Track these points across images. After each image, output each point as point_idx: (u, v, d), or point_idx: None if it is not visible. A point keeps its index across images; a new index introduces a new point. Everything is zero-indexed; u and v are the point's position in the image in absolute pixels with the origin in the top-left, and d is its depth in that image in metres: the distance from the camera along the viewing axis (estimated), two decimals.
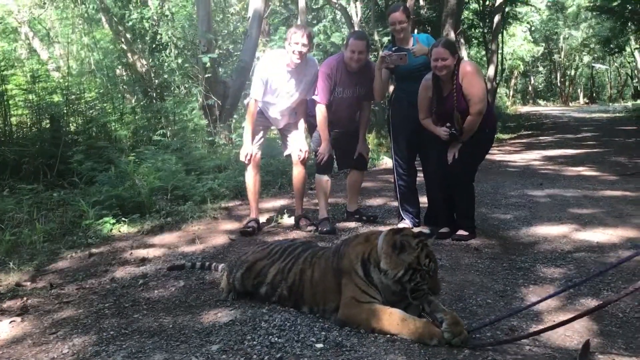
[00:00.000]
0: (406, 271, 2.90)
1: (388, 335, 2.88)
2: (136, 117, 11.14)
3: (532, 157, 11.60)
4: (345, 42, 5.33)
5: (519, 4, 26.54)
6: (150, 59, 13.30)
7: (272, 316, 3.22)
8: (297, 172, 5.53)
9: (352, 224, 5.67)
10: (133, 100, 12.46)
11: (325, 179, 5.49)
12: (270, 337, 2.93)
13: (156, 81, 12.82)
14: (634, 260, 4.09)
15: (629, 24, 26.94)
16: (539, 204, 6.59)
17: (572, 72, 49.07)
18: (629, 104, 35.99)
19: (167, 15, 13.57)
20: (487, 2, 23.97)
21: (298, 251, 3.44)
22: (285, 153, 5.68)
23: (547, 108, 39.05)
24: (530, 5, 30.36)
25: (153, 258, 4.67)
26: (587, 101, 48.16)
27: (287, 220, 5.88)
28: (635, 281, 3.27)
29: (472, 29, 25.27)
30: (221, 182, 7.74)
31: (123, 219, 6.01)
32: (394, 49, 5.14)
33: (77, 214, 6.15)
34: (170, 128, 10.70)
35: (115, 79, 12.61)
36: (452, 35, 15.22)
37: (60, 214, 6.32)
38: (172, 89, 12.76)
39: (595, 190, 7.40)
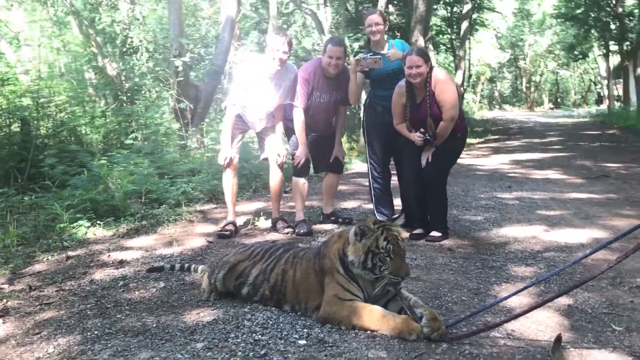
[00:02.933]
0: (367, 255, 3.01)
1: (369, 332, 2.97)
2: (107, 121, 11.09)
3: (500, 161, 11.84)
4: (323, 48, 5.42)
5: (486, 10, 27.01)
6: (121, 63, 13.26)
7: (255, 315, 3.29)
8: (275, 176, 5.60)
9: (328, 226, 5.76)
10: (102, 104, 12.39)
11: (302, 181, 5.57)
12: (254, 334, 3.00)
13: (127, 85, 12.78)
14: (600, 259, 4.28)
15: (592, 31, 27.61)
16: (508, 206, 6.77)
17: (537, 78, 50.03)
18: (593, 109, 36.87)
19: (138, 19, 13.53)
20: (455, 9, 24.35)
21: (279, 252, 3.51)
22: (262, 156, 5.75)
23: (513, 113, 39.75)
24: (497, 12, 30.90)
25: (131, 260, 4.69)
26: (552, 106, 49.20)
27: (264, 222, 5.94)
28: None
29: (440, 35, 25.65)
30: (195, 185, 7.76)
31: (98, 222, 6.01)
32: (369, 53, 5.25)
33: (50, 218, 6.14)
34: (141, 132, 10.67)
35: (84, 83, 12.54)
36: (421, 41, 15.43)
37: (33, 217, 6.30)
38: (142, 92, 12.72)
39: (562, 192, 7.62)
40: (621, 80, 29.94)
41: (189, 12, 15.70)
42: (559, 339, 2.77)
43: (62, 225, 5.87)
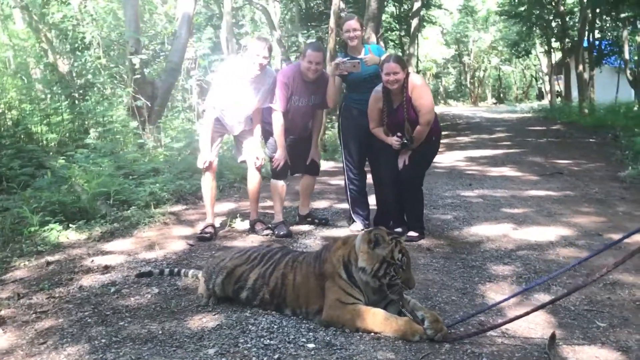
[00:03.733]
0: (381, 265, 3.14)
1: (373, 334, 3.10)
2: (63, 119, 10.88)
3: (455, 158, 12.13)
4: (302, 53, 5.51)
5: (433, 7, 27.51)
6: (72, 59, 12.99)
7: (258, 319, 3.38)
8: (253, 178, 5.67)
9: (306, 227, 5.87)
10: (48, 99, 12.09)
11: (280, 184, 5.66)
12: (262, 339, 3.09)
13: (78, 81, 12.54)
14: (570, 257, 4.53)
15: (535, 28, 28.46)
16: (473, 204, 7.01)
17: (481, 74, 51.21)
18: (535, 104, 38.01)
19: (91, 15, 13.28)
20: (404, 7, 24.73)
21: (278, 256, 3.60)
22: (240, 159, 5.81)
23: (458, 108, 40.53)
24: (445, 9, 31.50)
25: (116, 265, 4.69)
26: (495, 101, 50.43)
27: (241, 224, 6.00)
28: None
29: (389, 32, 26.00)
30: (161, 186, 7.73)
31: (70, 225, 5.96)
32: (347, 57, 5.38)
33: (16, 221, 6.03)
34: (98, 129, 10.51)
35: (30, 79, 12.24)
36: (373, 38, 15.61)
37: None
38: (95, 89, 12.50)
39: (521, 190, 7.93)
40: (562, 76, 30.96)
41: (144, 8, 15.51)
42: (553, 336, 2.97)
43: (32, 229, 5.79)
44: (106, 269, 4.61)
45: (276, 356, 2.88)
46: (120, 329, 3.33)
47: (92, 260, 4.83)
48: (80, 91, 12.41)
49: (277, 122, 5.41)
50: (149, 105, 11.23)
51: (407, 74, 5.02)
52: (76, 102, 11.77)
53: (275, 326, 3.27)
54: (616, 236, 5.20)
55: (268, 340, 3.07)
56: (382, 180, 5.39)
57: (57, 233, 5.74)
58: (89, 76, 12.45)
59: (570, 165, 10.43)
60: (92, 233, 5.81)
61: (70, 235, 5.75)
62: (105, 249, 5.26)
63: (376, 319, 3.12)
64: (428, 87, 5.22)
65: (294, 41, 18.76)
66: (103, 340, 3.15)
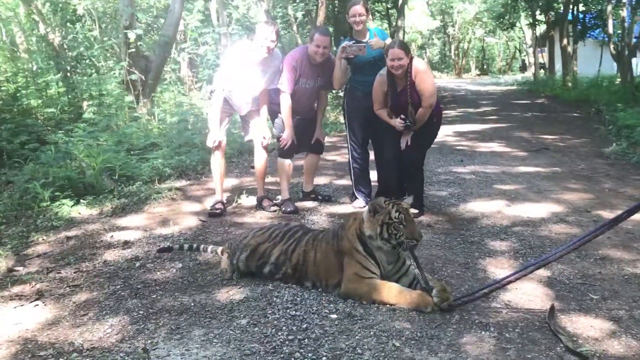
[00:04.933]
0: (382, 227, 3.47)
1: (388, 306, 3.40)
2: (59, 93, 10.98)
3: (444, 133, 12.30)
4: (310, 36, 5.72)
5: None
6: (64, 31, 12.99)
7: (281, 292, 3.67)
8: (260, 157, 5.91)
9: (310, 204, 6.14)
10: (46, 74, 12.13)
11: (287, 162, 5.91)
12: (288, 310, 3.38)
13: (70, 54, 12.57)
14: (562, 233, 4.86)
15: (520, 0, 28.63)
16: (466, 180, 7.32)
17: (465, 45, 51.39)
18: (518, 76, 38.36)
19: None
20: None
21: (299, 234, 3.89)
22: (247, 138, 6.05)
23: (443, 80, 40.74)
24: None
25: (135, 241, 4.94)
26: (478, 73, 50.79)
27: (247, 200, 6.25)
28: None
29: (377, 3, 26.05)
30: (163, 161, 7.92)
31: (81, 200, 6.17)
32: (352, 41, 5.60)
33: (26, 196, 6.22)
34: (91, 103, 10.62)
35: (17, 50, 12.25)
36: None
37: (7, 195, 6.38)
38: (87, 62, 12.56)
39: (511, 166, 8.25)
40: (545, 48, 31.23)
41: None
42: (552, 308, 3.29)
43: (44, 203, 6.01)
44: (126, 244, 4.86)
45: (304, 326, 3.17)
46: (154, 301, 3.59)
47: (112, 236, 5.08)
48: (73, 64, 12.49)
49: (285, 104, 5.64)
50: (143, 79, 11.35)
51: (411, 59, 5.26)
52: (68, 74, 11.86)
53: (299, 299, 3.56)
54: (604, 212, 5.57)
55: (294, 312, 3.35)
56: (384, 160, 5.65)
57: (69, 208, 5.95)
58: (81, 49, 12.50)
59: (556, 140, 10.78)
60: (103, 208, 6.04)
61: (81, 210, 5.98)
62: (120, 224, 5.50)
63: (391, 292, 3.42)
64: (430, 72, 5.48)
65: (284, 13, 18.78)
66: (141, 312, 3.42)
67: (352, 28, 5.77)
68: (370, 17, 15.25)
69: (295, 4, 18.40)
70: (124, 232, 5.20)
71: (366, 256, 3.53)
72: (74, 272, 4.21)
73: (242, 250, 3.92)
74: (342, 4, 20.74)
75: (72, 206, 6.02)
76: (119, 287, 3.87)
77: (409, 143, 5.41)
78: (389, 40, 5.61)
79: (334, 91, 10.75)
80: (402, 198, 3.75)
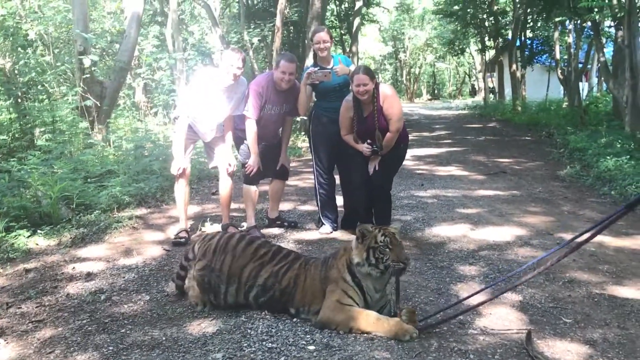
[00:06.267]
0: (368, 252, 3.46)
1: (366, 335, 3.36)
2: (11, 120, 10.69)
3: None
4: (275, 63, 5.70)
5: (373, 6, 28.01)
6: (15, 57, 12.69)
7: (255, 324, 3.59)
8: (225, 184, 5.83)
9: (276, 230, 6.07)
10: None
11: (253, 189, 5.84)
12: (264, 342, 3.31)
13: (21, 80, 12.28)
14: (528, 256, 4.91)
15: (469, 27, 29.34)
16: (429, 204, 7.37)
17: (417, 70, 52.28)
18: (468, 100, 39.20)
19: (35, 12, 13.01)
20: (345, 5, 25.12)
21: (291, 257, 3.84)
22: (211, 165, 5.98)
23: None
24: (384, 7, 32.08)
25: (98, 272, 4.78)
26: (430, 97, 51.73)
27: (211, 228, 6.15)
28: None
29: (332, 30, 26.30)
30: (121, 189, 7.74)
31: (38, 231, 5.97)
32: (317, 67, 5.61)
33: None
34: (44, 129, 10.37)
35: None
36: None
37: None
38: (39, 88, 12.28)
39: (471, 190, 8.35)
40: (495, 73, 32.02)
41: (92, 6, 15.28)
42: (529, 334, 3.31)
43: None
44: (89, 275, 4.70)
45: (282, 359, 3.10)
46: (123, 336, 3.47)
47: (73, 268, 4.90)
48: (24, 89, 12.19)
49: (251, 130, 5.59)
50: (98, 104, 11.15)
51: (377, 84, 5.29)
52: (19, 101, 11.56)
53: (274, 330, 3.49)
54: (566, 235, 5.66)
55: (270, 344, 3.28)
56: (352, 185, 5.64)
57: (25, 239, 5.75)
58: (33, 74, 12.22)
59: (512, 164, 10.98)
60: (62, 239, 5.85)
61: (39, 241, 5.77)
62: (80, 255, 5.33)
63: (368, 319, 3.39)
64: (398, 97, 5.52)
65: (239, 39, 18.78)
66: (110, 348, 3.30)
67: (316, 55, 5.78)
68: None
69: (250, 30, 18.43)
70: (85, 264, 5.04)
71: (353, 286, 3.51)
72: (36, 307, 4.04)
73: (228, 283, 3.79)
74: (297, 30, 20.93)
75: (28, 237, 5.81)
76: (85, 321, 3.73)
77: (376, 168, 5.42)
78: (353, 67, 5.64)
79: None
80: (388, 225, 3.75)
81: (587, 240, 3.10)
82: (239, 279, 3.77)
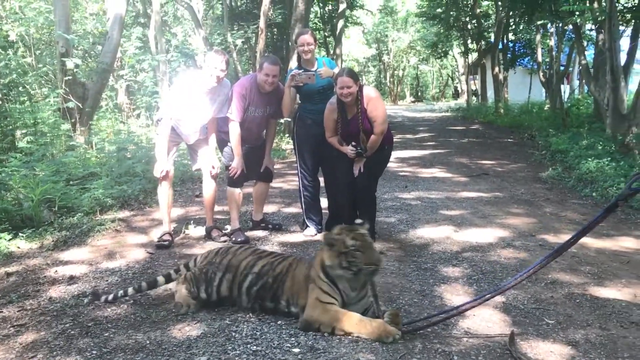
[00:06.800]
0: (339, 257, 3.46)
1: (351, 337, 3.37)
2: None
3: None
4: (259, 65, 5.70)
5: (357, 8, 28.08)
6: None
7: (239, 327, 3.58)
8: (209, 186, 5.82)
9: (260, 233, 6.07)
10: None
11: (237, 191, 5.83)
12: (249, 345, 3.30)
13: (1, 81, 12.16)
14: (511, 258, 4.95)
15: (452, 30, 29.53)
16: (413, 206, 7.40)
17: (400, 73, 52.49)
18: (452, 103, 39.42)
19: (16, 13, 12.89)
20: (329, 7, 25.16)
21: (287, 255, 4.02)
22: (195, 167, 5.96)
23: None
24: (368, 10, 32.17)
25: (81, 276, 4.74)
26: (413, 100, 51.97)
27: (194, 231, 6.13)
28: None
29: (316, 32, 26.33)
30: (104, 192, 7.69)
31: (19, 234, 5.91)
32: (301, 70, 5.62)
33: None
34: (26, 131, 10.27)
35: None
36: None
37: None
38: (20, 89, 12.16)
39: (454, 192, 8.39)
40: (477, 76, 32.19)
41: (74, 7, 15.16)
42: (512, 335, 3.33)
43: None
44: (72, 279, 4.66)
45: None
46: (107, 340, 3.44)
47: (56, 271, 4.85)
48: (5, 91, 12.06)
49: (235, 132, 5.58)
50: (80, 106, 11.07)
51: (361, 87, 5.31)
52: (0, 102, 11.44)
53: (258, 333, 3.48)
54: (548, 237, 5.72)
55: (255, 347, 3.27)
56: (337, 187, 5.64)
57: (7, 242, 5.68)
58: (14, 75, 12.11)
59: (495, 166, 11.06)
60: (44, 242, 5.79)
61: (20, 244, 5.71)
62: (63, 258, 5.28)
63: (351, 321, 3.39)
64: (382, 99, 5.54)
65: (222, 40, 18.73)
66: (94, 352, 3.27)
67: (300, 57, 5.78)
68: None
69: (234, 32, 18.39)
70: (68, 267, 4.99)
71: (329, 283, 3.52)
72: (18, 311, 3.99)
73: (225, 272, 3.90)
74: (280, 32, 20.92)
75: (9, 240, 5.74)
76: (67, 325, 3.69)
77: (361, 170, 5.43)
78: (337, 69, 5.65)
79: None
80: (359, 224, 3.73)
81: (571, 244, 3.16)
82: (237, 268, 3.89)
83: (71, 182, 8.03)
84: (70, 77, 10.84)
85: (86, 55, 14.48)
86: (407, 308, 3.91)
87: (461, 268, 4.83)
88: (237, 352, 3.22)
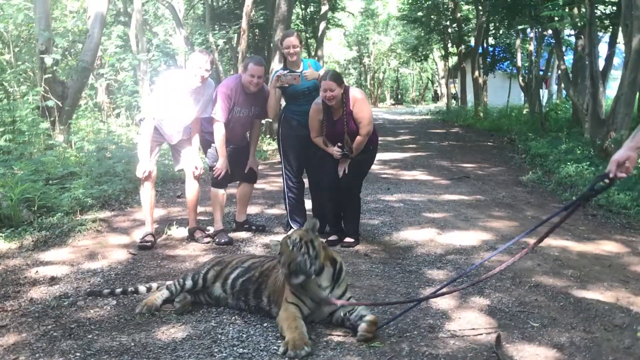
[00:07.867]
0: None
1: (338, 339, 3.36)
2: None
3: None
4: (244, 66, 5.68)
5: (339, 10, 28.13)
6: None
7: (225, 329, 3.55)
8: (191, 187, 5.78)
9: (244, 234, 6.04)
10: None
11: (221, 192, 5.80)
12: (235, 348, 3.28)
13: None
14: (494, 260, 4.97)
15: (433, 33, 29.72)
16: (396, 209, 7.41)
17: (380, 75, 52.69)
18: (431, 106, 39.64)
19: None
20: (311, 9, 25.17)
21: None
22: (177, 168, 5.92)
23: None
24: (349, 12, 32.24)
25: (63, 276, 4.67)
26: (393, 102, 52.19)
27: (177, 232, 6.08)
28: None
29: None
30: (84, 191, 7.59)
31: None
32: (287, 71, 5.61)
33: None
34: (4, 129, 10.12)
35: None
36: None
37: None
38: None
39: (436, 194, 8.42)
40: (457, 79, 32.42)
41: (54, 5, 14.98)
42: (499, 338, 3.35)
43: None
44: (53, 280, 4.59)
45: None
46: (90, 342, 3.39)
47: (37, 272, 4.78)
48: None
49: (219, 133, 5.55)
50: (60, 105, 10.94)
51: (346, 89, 5.31)
52: None
53: (244, 335, 3.46)
54: (529, 239, 5.72)
55: (241, 349, 3.25)
56: (321, 188, 5.63)
57: None
58: None
59: (475, 169, 11.12)
60: (23, 242, 5.70)
61: None
62: (43, 259, 5.20)
63: (286, 324, 3.34)
64: (368, 101, 5.55)
65: (204, 40, 18.65)
66: (77, 354, 3.22)
67: (285, 59, 5.77)
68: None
69: (215, 32, 18.31)
70: (49, 267, 4.92)
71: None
72: None
73: (214, 265, 4.06)
74: (262, 33, 20.88)
75: None
76: (50, 327, 3.63)
77: (346, 171, 5.43)
78: (322, 71, 5.65)
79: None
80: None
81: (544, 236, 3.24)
82: (229, 262, 4.02)
83: (50, 182, 7.92)
84: (49, 76, 10.70)
85: (66, 53, 14.26)
86: (393, 311, 3.90)
87: (445, 270, 4.85)
88: (224, 354, 3.20)
